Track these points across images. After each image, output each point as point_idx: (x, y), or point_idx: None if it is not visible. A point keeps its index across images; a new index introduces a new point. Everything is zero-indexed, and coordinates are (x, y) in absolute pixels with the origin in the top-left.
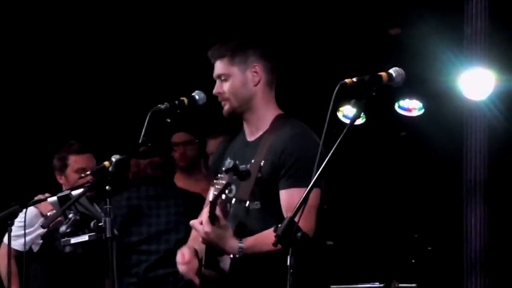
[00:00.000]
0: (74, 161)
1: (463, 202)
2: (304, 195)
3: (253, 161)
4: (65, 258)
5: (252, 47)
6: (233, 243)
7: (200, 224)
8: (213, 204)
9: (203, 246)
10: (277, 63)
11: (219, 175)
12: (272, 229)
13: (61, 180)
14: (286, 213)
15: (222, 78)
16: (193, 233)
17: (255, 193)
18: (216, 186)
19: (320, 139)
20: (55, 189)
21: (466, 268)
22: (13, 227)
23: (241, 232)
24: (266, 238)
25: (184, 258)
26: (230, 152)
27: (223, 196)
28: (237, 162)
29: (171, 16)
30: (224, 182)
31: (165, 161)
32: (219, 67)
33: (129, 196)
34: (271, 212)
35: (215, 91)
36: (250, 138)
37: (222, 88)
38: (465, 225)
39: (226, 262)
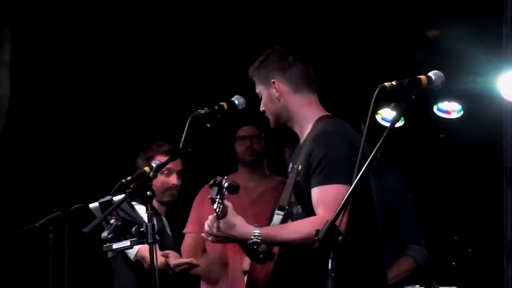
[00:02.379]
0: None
1: (502, 205)
2: (345, 198)
3: (295, 166)
4: None
5: (266, 64)
6: (248, 228)
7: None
8: (218, 216)
9: None
10: (304, 65)
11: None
12: (295, 222)
13: None
14: (316, 210)
15: (259, 96)
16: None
17: (296, 198)
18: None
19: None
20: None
21: (506, 252)
22: None
23: None
24: (285, 227)
25: None
26: (292, 156)
27: (217, 210)
28: (292, 166)
29: (211, 24)
30: (209, 196)
31: None
32: (256, 86)
33: None
34: (313, 215)
35: (260, 108)
36: (301, 142)
37: (262, 106)
38: (505, 230)
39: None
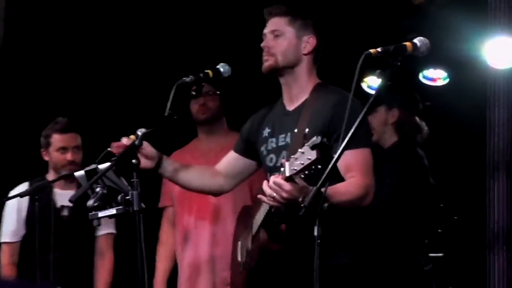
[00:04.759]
0: (56, 139)
1: (486, 172)
2: (333, 161)
3: (296, 130)
4: None
5: (317, 20)
6: (312, 191)
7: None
8: (290, 178)
9: None
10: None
11: (299, 150)
12: (350, 180)
13: (46, 157)
14: (347, 173)
15: (276, 33)
16: None
17: None
18: (295, 162)
19: None
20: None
21: (488, 243)
22: None
23: None
24: (348, 185)
25: None
26: (268, 121)
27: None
28: (272, 131)
29: None
30: (310, 158)
31: None
32: (277, 23)
33: None
34: (317, 178)
35: (264, 44)
36: (290, 107)
37: (272, 43)
38: (488, 197)
39: None
